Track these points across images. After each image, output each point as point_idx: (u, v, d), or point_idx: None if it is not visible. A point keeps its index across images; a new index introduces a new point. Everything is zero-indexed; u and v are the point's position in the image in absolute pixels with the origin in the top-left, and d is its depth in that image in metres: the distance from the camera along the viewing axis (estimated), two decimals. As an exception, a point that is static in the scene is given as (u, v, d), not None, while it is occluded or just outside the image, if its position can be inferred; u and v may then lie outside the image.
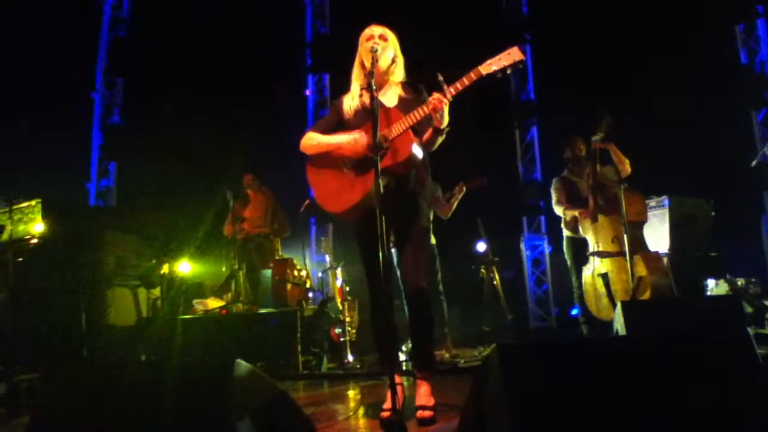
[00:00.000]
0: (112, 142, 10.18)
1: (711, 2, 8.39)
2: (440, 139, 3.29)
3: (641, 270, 4.97)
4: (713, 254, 6.49)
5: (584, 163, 5.68)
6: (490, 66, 3.10)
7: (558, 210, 5.78)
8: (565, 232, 5.80)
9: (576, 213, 5.50)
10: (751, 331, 2.04)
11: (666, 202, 6.35)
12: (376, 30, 3.41)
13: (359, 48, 3.44)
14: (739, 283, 6.00)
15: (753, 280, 6.11)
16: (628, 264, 4.86)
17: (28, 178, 6.99)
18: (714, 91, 8.03)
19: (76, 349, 5.63)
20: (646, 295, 4.90)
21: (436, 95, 3.07)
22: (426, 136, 3.26)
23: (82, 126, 9.99)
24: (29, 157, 7.73)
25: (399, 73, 3.46)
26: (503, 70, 3.10)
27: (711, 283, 6.18)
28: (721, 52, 8.87)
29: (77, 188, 9.65)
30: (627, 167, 5.31)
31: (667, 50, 8.15)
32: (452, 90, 3.09)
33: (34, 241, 5.72)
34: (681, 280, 5.41)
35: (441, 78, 3.09)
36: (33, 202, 5.79)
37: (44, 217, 5.75)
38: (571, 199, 5.66)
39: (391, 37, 3.44)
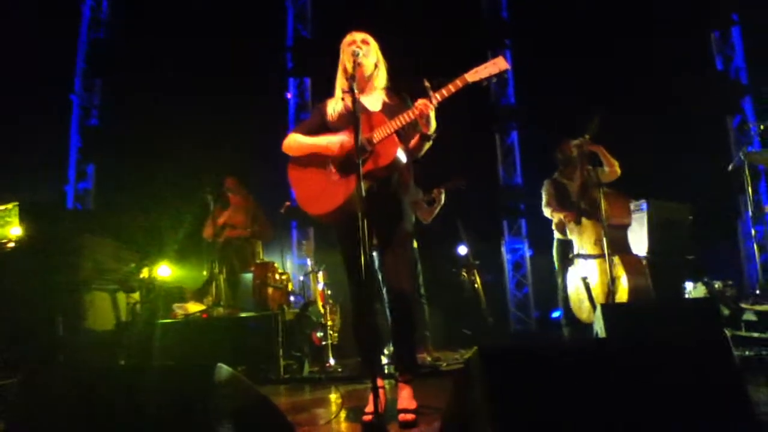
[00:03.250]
0: (91, 145, 10.09)
1: (687, 10, 8.51)
2: (427, 145, 3.31)
3: (620, 271, 5.02)
4: (691, 257, 6.57)
5: (575, 165, 5.72)
6: (476, 74, 3.12)
7: (546, 212, 5.83)
8: (556, 234, 5.84)
9: (561, 215, 5.54)
10: (727, 333, 2.07)
11: (644, 206, 6.42)
12: (357, 36, 3.42)
13: (341, 55, 3.44)
14: (716, 286, 6.07)
15: (730, 282, 6.18)
16: (608, 266, 4.91)
17: (5, 181, 6.91)
18: (690, 97, 8.14)
19: (53, 354, 5.56)
20: (624, 297, 4.95)
21: (421, 101, 3.08)
22: (413, 142, 3.28)
23: (60, 128, 9.88)
24: (6, 160, 7.63)
25: (382, 78, 3.47)
26: (488, 78, 3.12)
27: (689, 286, 6.25)
28: (697, 59, 9.00)
29: (55, 191, 9.53)
30: (617, 169, 5.37)
31: (645, 56, 8.26)
32: (438, 96, 3.11)
33: (11, 244, 5.65)
34: (659, 283, 5.46)
35: (427, 84, 3.10)
36: (10, 206, 5.72)
37: (21, 220, 5.68)
38: (562, 202, 5.70)
39: (373, 42, 3.45)
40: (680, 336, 2.19)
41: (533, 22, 9.28)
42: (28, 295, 5.63)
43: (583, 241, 5.33)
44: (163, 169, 8.48)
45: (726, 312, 5.42)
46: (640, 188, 6.61)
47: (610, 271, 4.90)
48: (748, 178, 5.80)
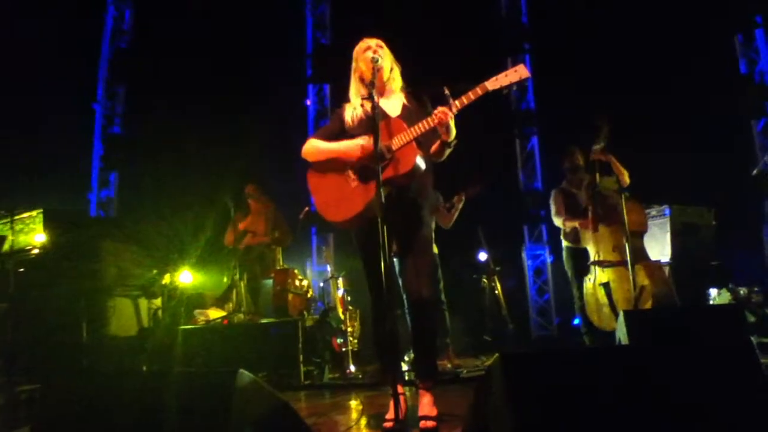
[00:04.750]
0: (113, 153, 10.21)
1: (710, 13, 8.42)
2: (448, 151, 3.30)
3: (643, 279, 4.96)
4: (715, 263, 6.49)
5: (583, 174, 5.68)
6: (497, 82, 3.11)
7: (557, 221, 5.76)
8: (565, 243, 5.79)
9: (576, 224, 5.49)
10: (753, 340, 2.04)
11: (667, 211, 6.36)
12: (371, 41, 3.43)
13: (355, 63, 3.45)
14: (741, 292, 5.98)
15: (755, 289, 6.10)
16: (630, 273, 4.85)
17: (29, 188, 7.01)
18: (714, 101, 8.04)
19: (76, 360, 5.61)
20: (648, 305, 4.89)
21: (441, 109, 3.08)
22: (434, 148, 3.28)
23: (83, 136, 10.02)
24: (30, 168, 7.73)
25: (398, 81, 3.48)
26: (509, 86, 3.10)
27: (713, 292, 6.17)
28: (721, 62, 8.90)
29: (78, 199, 9.66)
30: (626, 178, 5.31)
31: (667, 60, 8.18)
32: (458, 104, 3.10)
33: (35, 251, 5.72)
34: (683, 290, 5.40)
35: (447, 92, 3.10)
36: (34, 213, 5.80)
37: (45, 227, 5.75)
38: (571, 210, 5.65)
39: (385, 46, 3.46)
40: (705, 343, 2.16)
41: (553, 26, 9.23)
42: (52, 301, 5.69)
43: (600, 248, 5.28)
44: (184, 176, 8.55)
45: (752, 318, 5.35)
46: (662, 193, 6.54)
47: (634, 279, 4.85)
48: (773, 183, 5.72)
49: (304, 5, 10.55)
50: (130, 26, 10.55)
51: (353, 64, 3.47)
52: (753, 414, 1.94)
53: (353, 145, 3.26)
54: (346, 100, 3.55)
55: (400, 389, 3.04)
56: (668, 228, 6.33)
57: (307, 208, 6.76)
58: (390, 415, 3.00)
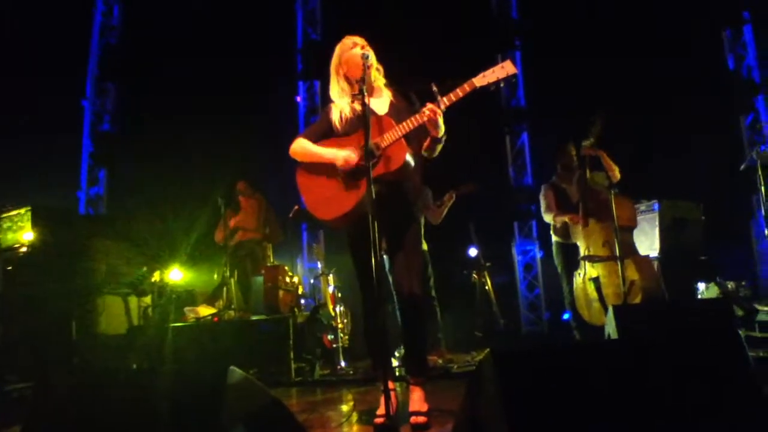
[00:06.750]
0: (103, 150, 10.16)
1: (698, 8, 8.46)
2: (439, 147, 3.31)
3: (632, 274, 4.99)
4: (703, 258, 6.53)
5: (574, 170, 5.70)
6: (484, 78, 3.12)
7: (547, 217, 5.77)
8: (555, 238, 5.80)
9: (566, 219, 5.51)
10: (741, 333, 2.06)
11: (656, 206, 6.39)
12: (357, 39, 3.42)
13: (338, 60, 3.41)
14: (729, 286, 6.03)
15: (743, 283, 6.15)
16: (620, 268, 4.88)
17: (18, 185, 6.96)
18: (702, 97, 8.09)
19: (66, 358, 5.59)
20: (638, 299, 4.92)
21: (429, 106, 3.08)
22: (425, 145, 3.28)
23: (72, 133, 9.96)
24: (19, 165, 7.69)
25: (382, 79, 3.46)
26: (497, 83, 3.11)
27: (701, 286, 6.21)
28: (709, 58, 8.94)
29: (67, 196, 9.61)
30: (617, 174, 5.33)
31: (656, 55, 8.21)
32: (446, 101, 3.11)
33: (24, 249, 5.69)
34: (671, 284, 5.43)
35: (435, 88, 3.10)
36: (22, 210, 5.76)
37: (34, 225, 5.72)
38: (561, 205, 5.67)
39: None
40: (693, 337, 2.17)
41: (544, 22, 9.24)
42: (41, 299, 5.66)
43: (590, 243, 5.30)
44: (174, 173, 8.52)
45: (740, 313, 5.39)
46: (651, 188, 6.57)
47: (623, 274, 4.88)
48: (761, 178, 5.75)
49: (294, 0, 10.50)
50: (119, 22, 10.49)
51: (335, 61, 3.43)
52: (741, 406, 1.95)
53: (338, 156, 3.24)
54: (330, 100, 3.52)
55: (390, 385, 3.04)
56: (657, 223, 6.36)
57: (297, 206, 6.76)
58: (381, 410, 3.00)
